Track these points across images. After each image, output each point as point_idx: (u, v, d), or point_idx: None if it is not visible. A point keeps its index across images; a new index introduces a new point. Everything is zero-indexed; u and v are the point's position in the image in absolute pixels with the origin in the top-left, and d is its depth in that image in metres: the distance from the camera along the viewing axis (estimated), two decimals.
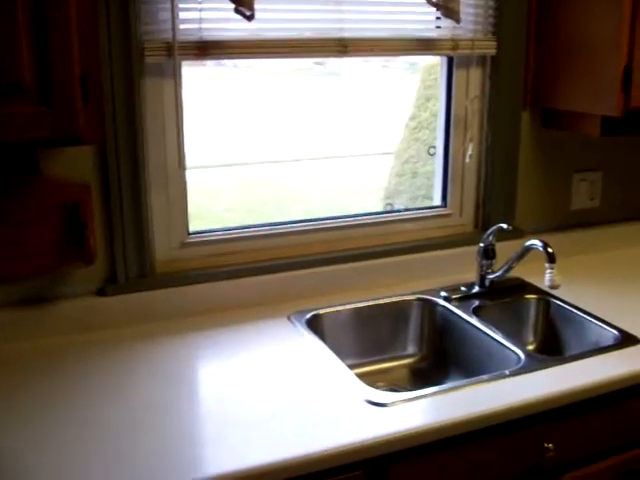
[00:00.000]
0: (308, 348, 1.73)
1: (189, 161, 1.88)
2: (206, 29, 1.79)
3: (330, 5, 1.88)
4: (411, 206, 3.54)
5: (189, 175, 1.91)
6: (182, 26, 1.78)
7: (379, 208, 4.09)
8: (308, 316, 1.88)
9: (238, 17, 1.73)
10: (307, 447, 1.34)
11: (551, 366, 1.64)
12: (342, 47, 1.90)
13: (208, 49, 1.79)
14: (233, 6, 1.74)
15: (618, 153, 2.42)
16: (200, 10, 1.78)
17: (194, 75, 2.08)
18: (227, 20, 1.76)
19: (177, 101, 1.81)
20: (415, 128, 3.75)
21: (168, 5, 1.73)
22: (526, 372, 1.61)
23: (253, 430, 1.39)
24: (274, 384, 1.57)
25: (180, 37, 1.76)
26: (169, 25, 1.74)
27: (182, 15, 1.77)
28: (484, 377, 1.59)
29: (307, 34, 1.89)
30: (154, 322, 1.85)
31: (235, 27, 1.80)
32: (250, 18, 1.74)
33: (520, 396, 1.51)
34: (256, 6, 1.75)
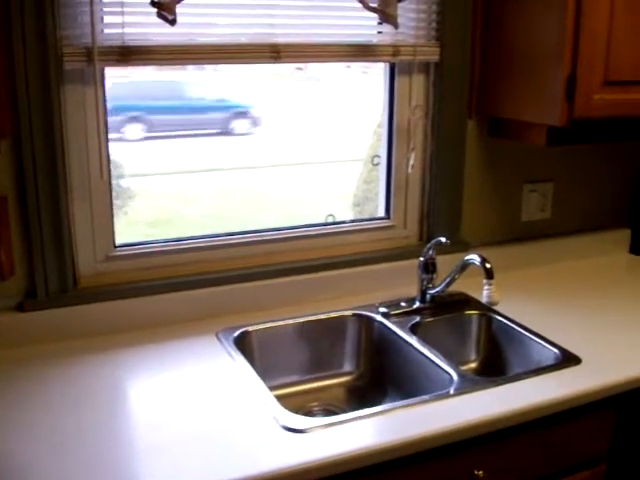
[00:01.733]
0: (232, 369, 1.65)
1: (163, 166, 1.80)
2: (130, 34, 1.71)
3: (262, 10, 1.81)
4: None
5: (163, 181, 1.83)
6: (106, 30, 1.70)
7: (350, 215, 4.03)
8: (237, 333, 1.80)
9: (165, 22, 1.66)
10: (216, 477, 1.26)
11: (485, 388, 1.57)
12: (275, 53, 1.82)
13: (131, 55, 1.71)
14: (156, 10, 1.66)
15: (570, 163, 2.35)
16: (122, 14, 1.70)
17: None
18: (154, 25, 1.68)
19: (98, 109, 1.73)
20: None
21: (88, 9, 1.64)
22: (459, 394, 1.54)
23: (161, 457, 1.32)
24: (190, 408, 1.49)
25: (102, 42, 1.68)
26: (89, 29, 1.66)
27: (106, 19, 1.69)
28: (412, 400, 1.52)
29: (242, 40, 1.81)
30: (76, 339, 1.77)
31: (163, 32, 1.72)
32: (172, 23, 1.67)
33: (449, 421, 1.44)
34: (187, 10, 1.69)
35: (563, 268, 2.34)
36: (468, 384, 1.59)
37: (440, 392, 1.55)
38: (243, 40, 1.81)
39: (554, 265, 2.35)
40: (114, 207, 1.85)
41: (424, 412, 1.48)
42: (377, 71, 2.10)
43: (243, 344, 1.79)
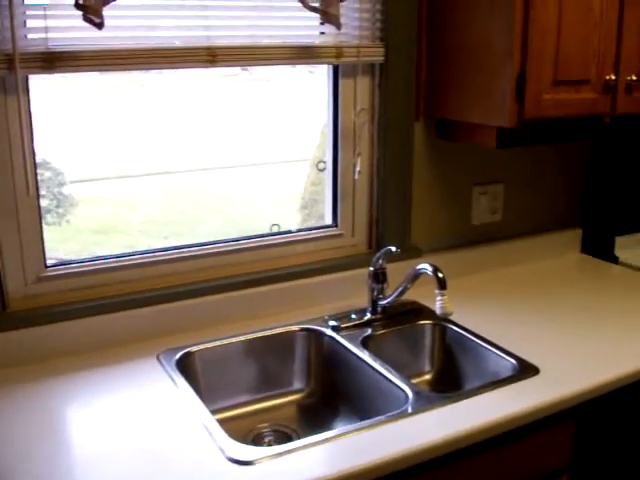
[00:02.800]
0: (174, 395, 1.55)
1: (106, 171, 1.67)
2: (55, 39, 1.59)
3: (196, 11, 1.71)
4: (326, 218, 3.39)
5: (107, 185, 1.71)
6: (30, 35, 1.58)
7: (297, 218, 3.95)
8: (179, 355, 1.70)
9: (92, 25, 1.55)
10: None
11: (442, 406, 1.50)
12: (210, 56, 1.72)
13: (56, 61, 1.59)
14: (81, 14, 1.55)
15: (520, 163, 2.30)
16: (45, 18, 1.58)
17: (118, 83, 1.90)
18: (80, 29, 1.57)
19: (22, 120, 1.61)
20: None
21: (7, 13, 1.52)
22: (415, 414, 1.47)
23: None
24: (127, 441, 1.38)
25: (24, 48, 1.56)
26: (9, 35, 1.53)
27: (28, 23, 1.58)
28: (367, 422, 1.44)
29: (176, 43, 1.71)
30: (5, 368, 1.64)
31: (90, 36, 1.61)
32: (100, 26, 1.55)
33: (407, 444, 1.36)
34: (116, 13, 1.58)
35: (516, 272, 2.29)
36: (424, 402, 1.51)
37: (396, 412, 1.47)
38: (177, 43, 1.71)
39: (507, 269, 2.30)
40: (56, 216, 1.73)
41: (380, 435, 1.40)
42: (322, 70, 2.02)
43: (186, 366, 1.69)
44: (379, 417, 1.45)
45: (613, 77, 1.85)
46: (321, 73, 2.05)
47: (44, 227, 1.73)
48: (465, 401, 1.52)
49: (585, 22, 1.78)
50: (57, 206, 2.02)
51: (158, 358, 1.69)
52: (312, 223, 3.64)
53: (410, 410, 1.48)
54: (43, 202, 1.77)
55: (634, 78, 1.90)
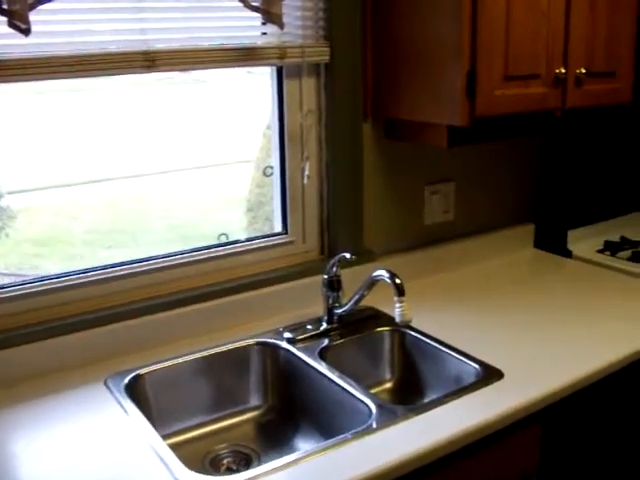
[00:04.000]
0: (124, 422, 1.45)
1: (45, 180, 1.55)
2: None
3: (132, 13, 1.61)
4: (273, 220, 3.30)
5: (46, 195, 1.59)
6: None
7: (243, 221, 3.85)
8: (127, 379, 1.60)
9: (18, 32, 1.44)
10: None
11: (407, 418, 1.44)
12: (149, 61, 1.63)
13: None
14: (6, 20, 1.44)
15: (470, 161, 2.26)
16: None
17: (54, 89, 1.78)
18: (5, 36, 1.46)
19: None
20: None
21: None
22: (381, 429, 1.40)
23: None
24: (74, 475, 1.28)
25: None
26: None
27: None
28: (331, 442, 1.37)
29: (111, 48, 1.61)
30: None
31: (15, 43, 1.50)
32: (26, 32, 1.45)
33: (375, 462, 1.29)
34: (45, 18, 1.48)
35: (471, 271, 2.25)
36: (388, 415, 1.45)
37: (360, 429, 1.40)
38: (112, 48, 1.61)
39: (462, 269, 2.26)
40: None
41: (346, 454, 1.33)
42: (262, 70, 1.94)
43: (136, 389, 1.59)
44: (344, 435, 1.38)
45: (563, 71, 1.82)
46: (260, 73, 1.98)
47: None
48: (431, 412, 1.46)
49: (533, 14, 1.74)
50: None
51: (105, 383, 1.59)
52: (259, 226, 3.55)
53: (375, 425, 1.41)
54: None
55: (583, 71, 1.87)
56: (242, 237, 1.97)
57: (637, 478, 1.92)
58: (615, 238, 2.49)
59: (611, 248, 2.40)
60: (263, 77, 1.96)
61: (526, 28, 1.73)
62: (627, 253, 2.37)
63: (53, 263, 1.66)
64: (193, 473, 1.28)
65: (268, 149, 3.89)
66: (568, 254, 2.39)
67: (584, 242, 2.44)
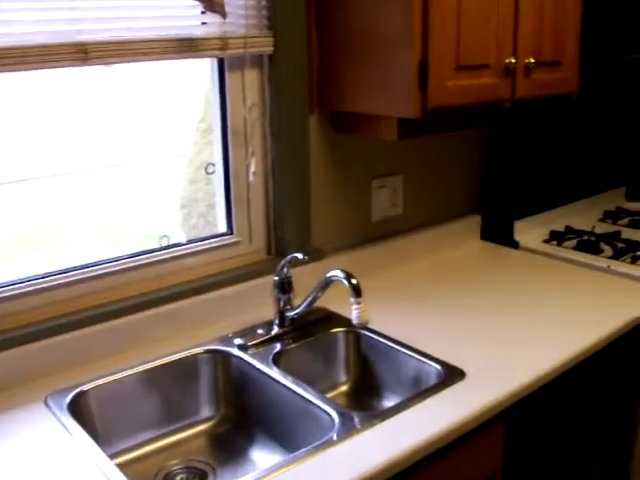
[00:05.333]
0: (66, 444, 1.34)
1: None
2: None
3: (62, 2, 1.49)
4: (207, 216, 3.19)
5: None
6: None
7: (178, 218, 3.71)
8: (70, 396, 1.49)
9: None
10: None
11: (371, 426, 1.37)
12: (82, 53, 1.51)
13: None
14: None
15: (417, 153, 2.21)
16: None
17: None
18: None
19: None
20: (206, 131, 3.41)
21: None
22: (342, 440, 1.33)
23: None
24: None
25: None
26: None
27: None
28: (291, 457, 1.29)
29: (40, 40, 1.48)
30: None
31: None
32: None
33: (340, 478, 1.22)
34: None
35: (420, 265, 2.21)
36: (348, 424, 1.37)
37: (321, 441, 1.32)
38: (41, 40, 1.48)
39: (411, 263, 2.21)
40: None
41: (308, 470, 1.25)
42: (195, 61, 1.83)
43: (79, 407, 1.49)
44: (306, 449, 1.30)
45: (513, 60, 1.79)
46: (192, 62, 1.87)
47: None
48: (394, 418, 1.40)
49: (483, 2, 1.69)
50: None
51: (46, 402, 1.48)
52: (194, 222, 3.44)
53: (336, 437, 1.34)
54: None
55: (532, 60, 1.84)
56: (179, 235, 1.88)
57: (602, 472, 1.91)
58: (560, 228, 2.48)
59: (557, 238, 2.39)
60: (195, 66, 1.85)
61: (477, 16, 1.69)
62: (572, 242, 2.37)
63: None
64: None
65: (200, 144, 3.77)
66: (515, 245, 2.37)
67: (530, 232, 2.43)
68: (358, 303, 1.57)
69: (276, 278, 1.73)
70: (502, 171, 2.40)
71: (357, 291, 1.56)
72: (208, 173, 1.94)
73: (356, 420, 1.39)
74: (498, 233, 2.41)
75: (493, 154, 2.40)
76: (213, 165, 1.91)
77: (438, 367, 1.58)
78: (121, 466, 1.52)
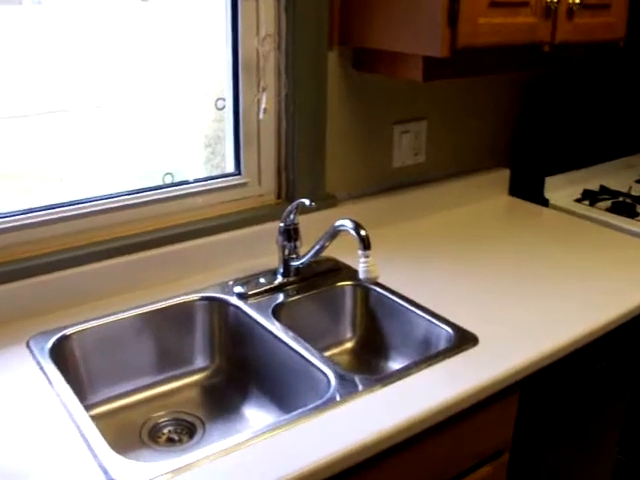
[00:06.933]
0: (44, 392, 1.25)
1: None
2: None
3: None
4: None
5: None
6: None
7: (202, 157, 3.59)
8: (52, 340, 1.39)
9: None
10: None
11: (370, 391, 1.26)
12: None
13: None
14: None
15: (443, 98, 2.06)
16: None
17: None
18: None
19: None
20: None
21: None
22: (342, 403, 1.22)
23: None
24: None
25: None
26: None
27: None
28: (288, 417, 1.18)
29: None
30: None
31: None
32: None
33: (343, 442, 1.12)
34: None
35: (441, 219, 2.07)
36: (349, 387, 1.27)
37: (319, 403, 1.22)
38: None
39: (431, 216, 2.08)
40: None
41: (303, 434, 1.15)
42: None
43: (62, 352, 1.40)
44: (301, 410, 1.20)
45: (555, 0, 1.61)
46: None
47: None
48: (398, 383, 1.29)
49: None
50: None
51: (28, 345, 1.39)
52: (217, 162, 3.31)
53: (335, 399, 1.23)
54: None
55: (576, 1, 1.67)
56: (200, 174, 1.76)
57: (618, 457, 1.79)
58: (594, 187, 2.33)
59: (590, 197, 2.24)
60: None
61: None
62: (606, 203, 2.21)
63: (4, 197, 1.47)
64: (122, 459, 1.08)
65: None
66: (545, 202, 2.22)
67: (562, 190, 2.27)
68: (366, 257, 1.44)
69: (282, 224, 1.61)
70: (536, 122, 2.24)
71: (366, 244, 1.44)
72: (218, 109, 1.81)
73: (357, 383, 1.28)
74: (527, 189, 2.26)
75: (528, 103, 2.24)
76: (223, 100, 1.78)
77: (450, 330, 1.46)
78: (104, 415, 1.44)
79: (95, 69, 1.68)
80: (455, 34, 1.49)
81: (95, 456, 1.09)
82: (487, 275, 1.72)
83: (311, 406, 1.21)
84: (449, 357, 1.37)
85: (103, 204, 1.60)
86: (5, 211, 1.51)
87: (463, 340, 1.42)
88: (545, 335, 1.45)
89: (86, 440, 1.12)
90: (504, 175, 2.27)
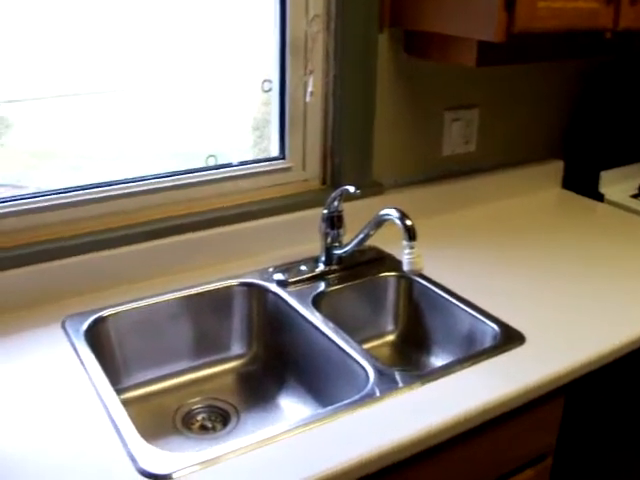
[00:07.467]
0: (74, 373, 1.23)
1: (44, 90, 1.30)
2: None
3: None
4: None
5: (45, 105, 1.36)
6: None
7: (250, 140, 3.58)
8: (88, 321, 1.37)
9: None
10: None
11: (408, 388, 1.21)
12: None
13: None
14: None
15: (496, 86, 1.98)
16: None
17: None
18: None
19: None
20: None
21: None
22: (376, 401, 1.17)
23: None
24: (12, 442, 1.07)
25: None
26: None
27: None
28: (324, 412, 1.15)
29: None
30: None
31: None
32: None
33: (381, 440, 1.08)
34: None
35: (491, 210, 2.00)
36: (388, 383, 1.22)
37: (359, 397, 1.17)
38: None
39: (480, 207, 2.01)
40: None
41: (343, 428, 1.11)
42: None
43: (97, 334, 1.38)
44: (340, 404, 1.16)
45: None
46: None
47: None
48: (440, 381, 1.24)
49: None
50: None
51: (63, 325, 1.37)
52: (265, 145, 3.28)
53: (378, 394, 1.19)
54: None
55: None
56: (247, 158, 1.72)
57: None
58: None
59: None
60: None
61: None
62: None
63: (47, 176, 1.46)
64: (150, 447, 1.06)
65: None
66: (599, 197, 2.13)
67: (618, 185, 2.18)
68: (411, 248, 1.39)
69: (325, 211, 1.57)
70: (594, 112, 2.15)
71: (411, 234, 1.39)
72: (264, 91, 1.77)
73: (397, 378, 1.23)
74: (581, 183, 2.18)
75: (586, 92, 2.15)
76: (270, 82, 1.73)
77: (496, 328, 1.40)
78: (138, 399, 1.42)
79: (145, 50, 1.65)
80: (512, 18, 1.43)
81: (125, 444, 1.06)
82: (536, 272, 1.65)
83: (349, 401, 1.17)
84: (494, 356, 1.31)
85: (144, 185, 1.57)
86: (46, 189, 1.49)
87: (509, 338, 1.37)
88: (595, 338, 1.38)
89: (116, 426, 1.10)
90: (557, 167, 2.18)
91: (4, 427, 1.10)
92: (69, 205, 1.49)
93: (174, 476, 1.00)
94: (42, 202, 1.47)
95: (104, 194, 1.53)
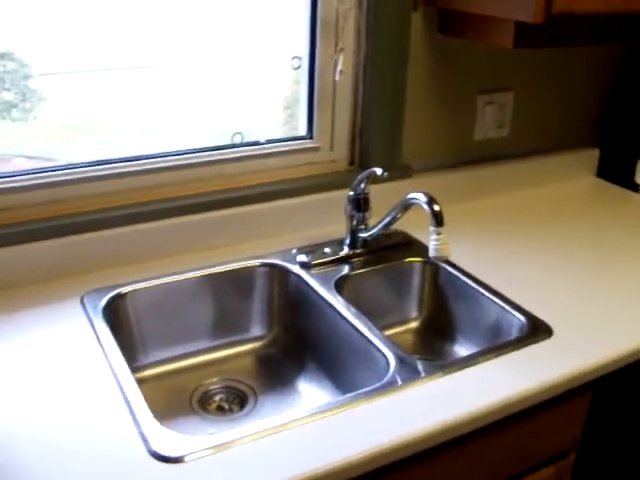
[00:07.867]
0: (90, 350, 1.22)
1: (79, 64, 1.30)
2: None
3: None
4: None
5: (79, 79, 1.35)
6: None
7: (280, 119, 3.55)
8: (107, 298, 1.36)
9: None
10: None
11: (430, 378, 1.18)
12: None
13: None
14: None
15: (531, 69, 1.92)
16: None
17: None
18: None
19: None
20: None
21: None
22: (396, 390, 1.14)
23: None
24: (24, 421, 1.06)
25: None
26: None
27: None
28: (342, 399, 1.12)
29: None
30: None
31: None
32: None
33: (403, 431, 1.05)
34: None
35: (522, 197, 1.95)
36: (410, 372, 1.19)
37: (380, 385, 1.15)
38: None
39: (512, 194, 1.96)
40: (22, 111, 1.43)
41: (363, 416, 1.08)
42: None
43: (116, 311, 1.36)
44: (360, 392, 1.13)
45: None
46: None
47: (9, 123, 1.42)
48: (463, 372, 1.20)
49: None
50: (23, 100, 1.69)
51: (82, 301, 1.35)
52: (295, 124, 3.26)
53: (400, 382, 1.16)
54: (7, 96, 1.47)
55: None
56: (276, 136, 1.70)
57: None
58: None
59: None
60: None
61: None
62: None
63: (81, 149, 1.46)
64: (168, 432, 1.03)
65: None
66: (635, 188, 2.07)
67: None
68: (438, 234, 1.35)
69: (351, 193, 1.54)
70: (632, 99, 2.08)
71: (439, 220, 1.35)
72: (294, 68, 1.73)
73: (418, 367, 1.20)
74: (617, 172, 2.12)
75: (623, 78, 2.08)
76: (299, 59, 1.70)
77: (522, 319, 1.36)
78: (155, 377, 1.41)
79: (179, 26, 1.63)
80: None
81: (137, 424, 1.04)
82: (566, 262, 1.60)
83: (369, 389, 1.14)
84: (520, 348, 1.27)
85: (171, 160, 1.55)
86: (75, 162, 1.47)
87: (536, 331, 1.33)
88: (625, 333, 1.33)
89: (129, 406, 1.08)
90: (592, 155, 2.12)
91: (14, 402, 1.08)
92: (96, 179, 1.47)
93: (186, 459, 0.98)
94: (72, 174, 1.45)
95: (132, 168, 1.51)
